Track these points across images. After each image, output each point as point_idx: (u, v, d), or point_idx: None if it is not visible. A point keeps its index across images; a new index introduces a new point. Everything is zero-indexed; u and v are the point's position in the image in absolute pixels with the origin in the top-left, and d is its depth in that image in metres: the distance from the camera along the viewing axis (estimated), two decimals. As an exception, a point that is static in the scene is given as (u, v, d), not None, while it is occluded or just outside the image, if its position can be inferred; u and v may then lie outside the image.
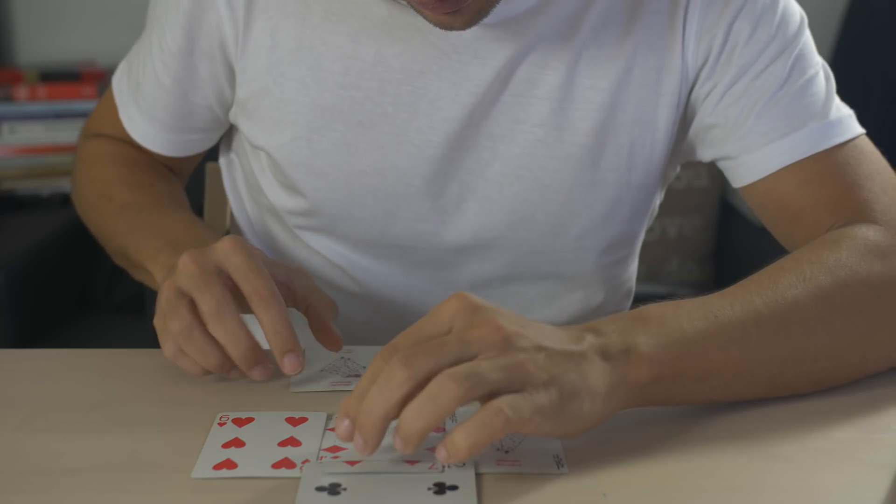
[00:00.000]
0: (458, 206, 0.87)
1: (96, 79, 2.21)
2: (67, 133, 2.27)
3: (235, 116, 0.90)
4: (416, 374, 0.56)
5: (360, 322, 0.92)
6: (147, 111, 0.93)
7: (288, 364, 0.68)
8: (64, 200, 2.23)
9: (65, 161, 2.28)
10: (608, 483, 0.58)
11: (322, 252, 0.92)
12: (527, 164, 0.85)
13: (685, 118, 0.86)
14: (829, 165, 0.81)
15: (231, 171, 1.00)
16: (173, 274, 0.70)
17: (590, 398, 0.58)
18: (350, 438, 0.58)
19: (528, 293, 0.92)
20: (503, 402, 0.56)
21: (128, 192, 0.92)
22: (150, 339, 0.74)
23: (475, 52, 0.81)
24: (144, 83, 0.92)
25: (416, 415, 0.56)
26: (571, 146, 0.84)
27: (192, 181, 1.03)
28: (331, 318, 0.73)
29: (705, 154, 0.87)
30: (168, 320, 0.68)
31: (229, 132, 0.99)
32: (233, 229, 1.02)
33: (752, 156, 0.82)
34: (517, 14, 0.80)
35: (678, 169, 0.93)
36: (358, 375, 0.73)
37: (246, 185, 0.98)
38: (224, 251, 0.70)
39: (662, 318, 0.64)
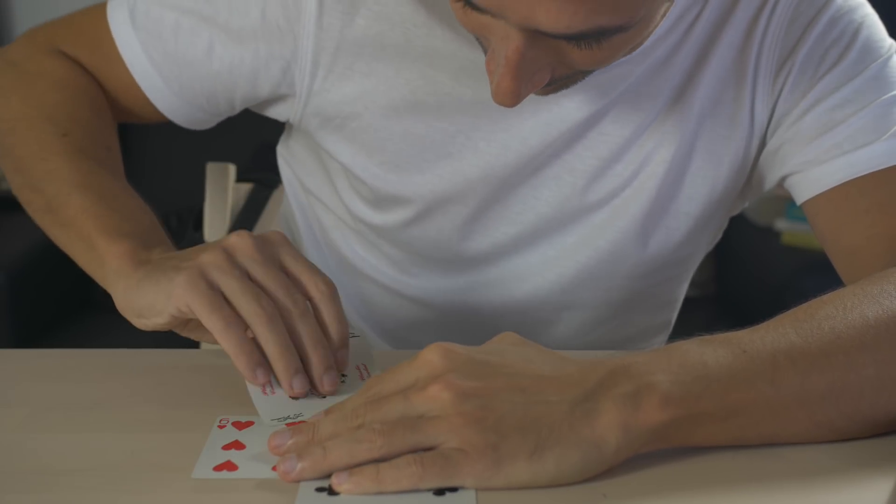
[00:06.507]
0: (532, 234, 0.88)
1: (96, 79, 2.19)
2: (67, 133, 2.25)
3: (312, 127, 0.87)
4: (362, 425, 0.59)
5: (410, 322, 0.95)
6: (166, 70, 0.86)
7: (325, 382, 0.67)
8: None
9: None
10: (608, 483, 0.58)
11: (390, 255, 0.93)
12: (605, 197, 0.86)
13: (755, 150, 0.85)
14: (890, 193, 0.78)
15: (290, 162, 0.99)
16: (235, 255, 0.67)
17: (575, 448, 0.57)
18: (283, 449, 0.60)
19: (578, 318, 0.93)
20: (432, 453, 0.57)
21: (89, 142, 0.84)
22: (150, 339, 0.74)
23: (572, 98, 0.81)
24: (164, 34, 0.84)
25: (332, 447, 0.58)
26: (646, 179, 0.84)
27: (192, 181, 1.03)
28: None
29: (774, 176, 0.85)
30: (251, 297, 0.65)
31: (290, 126, 0.97)
32: (286, 215, 1.03)
33: (815, 170, 0.81)
34: (618, 62, 0.79)
35: (745, 203, 0.92)
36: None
37: (298, 180, 0.98)
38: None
39: (686, 355, 0.61)
